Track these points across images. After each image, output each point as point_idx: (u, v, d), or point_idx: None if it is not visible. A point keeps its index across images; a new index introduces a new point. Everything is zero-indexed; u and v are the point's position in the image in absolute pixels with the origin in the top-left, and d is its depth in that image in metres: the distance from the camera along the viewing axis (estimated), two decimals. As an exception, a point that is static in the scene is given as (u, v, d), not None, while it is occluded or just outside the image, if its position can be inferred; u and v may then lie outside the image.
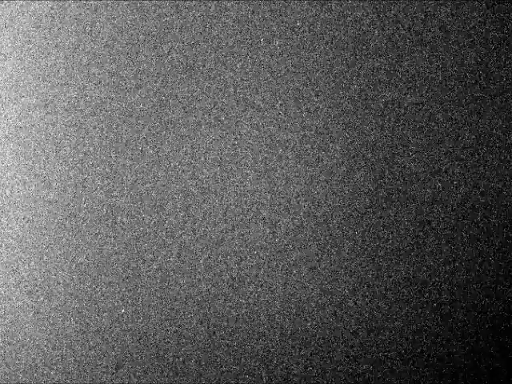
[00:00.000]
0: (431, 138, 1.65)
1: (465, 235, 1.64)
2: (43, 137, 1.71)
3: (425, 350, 1.63)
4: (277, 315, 1.65)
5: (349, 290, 1.64)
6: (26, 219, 1.70)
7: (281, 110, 1.67)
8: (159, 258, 1.67)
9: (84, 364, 1.69)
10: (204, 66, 1.68)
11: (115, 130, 1.69)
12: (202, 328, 1.66)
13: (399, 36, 1.66)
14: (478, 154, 1.64)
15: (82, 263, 1.69)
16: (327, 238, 1.65)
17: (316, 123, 1.66)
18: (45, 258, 1.69)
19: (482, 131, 1.64)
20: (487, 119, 1.64)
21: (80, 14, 1.71)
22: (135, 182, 1.69)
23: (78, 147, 1.70)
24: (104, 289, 1.68)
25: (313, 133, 1.66)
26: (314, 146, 1.66)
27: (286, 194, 1.66)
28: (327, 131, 1.66)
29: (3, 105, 1.72)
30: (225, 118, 1.68)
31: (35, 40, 1.72)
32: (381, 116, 1.65)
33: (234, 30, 1.68)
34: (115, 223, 1.68)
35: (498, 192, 1.64)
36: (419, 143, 1.65)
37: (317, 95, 1.66)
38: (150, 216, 1.68)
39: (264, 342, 1.66)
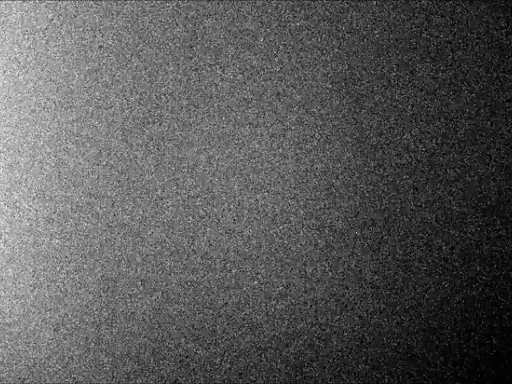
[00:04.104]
0: (432, 138, 1.65)
1: (465, 235, 1.64)
2: (42, 137, 1.71)
3: (424, 350, 1.63)
4: (277, 317, 1.66)
5: (349, 290, 1.65)
6: (27, 218, 1.70)
7: (281, 109, 1.67)
8: (159, 257, 1.68)
9: (84, 363, 1.69)
10: (204, 64, 1.68)
11: (115, 130, 1.70)
12: (202, 330, 1.67)
13: (401, 35, 1.66)
14: (479, 155, 1.64)
15: (82, 263, 1.69)
16: (327, 237, 1.65)
17: (316, 123, 1.66)
18: (45, 257, 1.70)
19: (484, 131, 1.64)
20: (488, 119, 1.64)
21: (80, 14, 1.71)
22: (135, 182, 1.69)
23: (78, 146, 1.70)
24: (103, 288, 1.69)
25: (313, 132, 1.66)
26: (315, 146, 1.66)
27: (286, 193, 1.66)
28: (328, 131, 1.66)
29: (2, 105, 1.72)
30: (225, 118, 1.68)
31: (34, 40, 1.72)
32: (382, 117, 1.65)
33: (233, 29, 1.68)
34: (116, 222, 1.69)
35: (499, 192, 1.63)
36: (420, 144, 1.65)
37: (317, 95, 1.66)
38: (151, 215, 1.68)
39: (264, 343, 1.66)
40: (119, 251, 1.68)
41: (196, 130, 1.68)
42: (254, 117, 1.67)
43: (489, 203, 1.63)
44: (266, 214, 1.66)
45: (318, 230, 1.65)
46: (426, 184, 1.64)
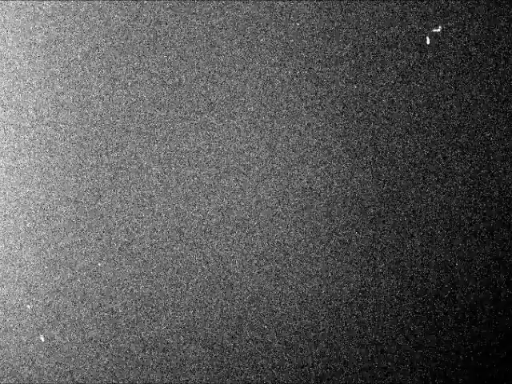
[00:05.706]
0: (432, 139, 1.65)
1: (464, 235, 1.64)
2: (41, 137, 1.71)
3: (424, 350, 1.63)
4: (277, 317, 1.66)
5: (348, 290, 1.65)
6: (28, 218, 1.70)
7: (280, 109, 1.67)
8: (158, 257, 1.68)
9: (83, 363, 1.69)
10: (203, 64, 1.69)
11: (113, 130, 1.70)
12: (201, 331, 1.67)
13: (402, 36, 1.66)
14: (479, 155, 1.64)
15: (81, 264, 1.69)
16: (326, 237, 1.65)
17: (316, 123, 1.66)
18: (44, 258, 1.70)
19: (484, 132, 1.64)
20: (489, 120, 1.64)
21: (80, 14, 1.71)
22: (133, 182, 1.69)
23: (77, 147, 1.70)
24: (103, 288, 1.69)
25: (313, 133, 1.66)
26: (314, 146, 1.66)
27: (286, 194, 1.66)
28: (328, 131, 1.66)
29: (2, 105, 1.72)
30: (224, 118, 1.68)
31: (34, 40, 1.72)
32: (382, 117, 1.65)
33: (232, 28, 1.68)
34: (114, 223, 1.69)
35: (499, 193, 1.63)
36: (420, 144, 1.65)
37: (317, 95, 1.66)
38: (149, 216, 1.68)
39: (263, 343, 1.66)
40: (120, 250, 1.68)
41: (196, 129, 1.68)
42: (253, 115, 1.67)
43: (490, 203, 1.63)
44: (265, 213, 1.66)
45: (317, 229, 1.65)
46: (426, 187, 1.64)
